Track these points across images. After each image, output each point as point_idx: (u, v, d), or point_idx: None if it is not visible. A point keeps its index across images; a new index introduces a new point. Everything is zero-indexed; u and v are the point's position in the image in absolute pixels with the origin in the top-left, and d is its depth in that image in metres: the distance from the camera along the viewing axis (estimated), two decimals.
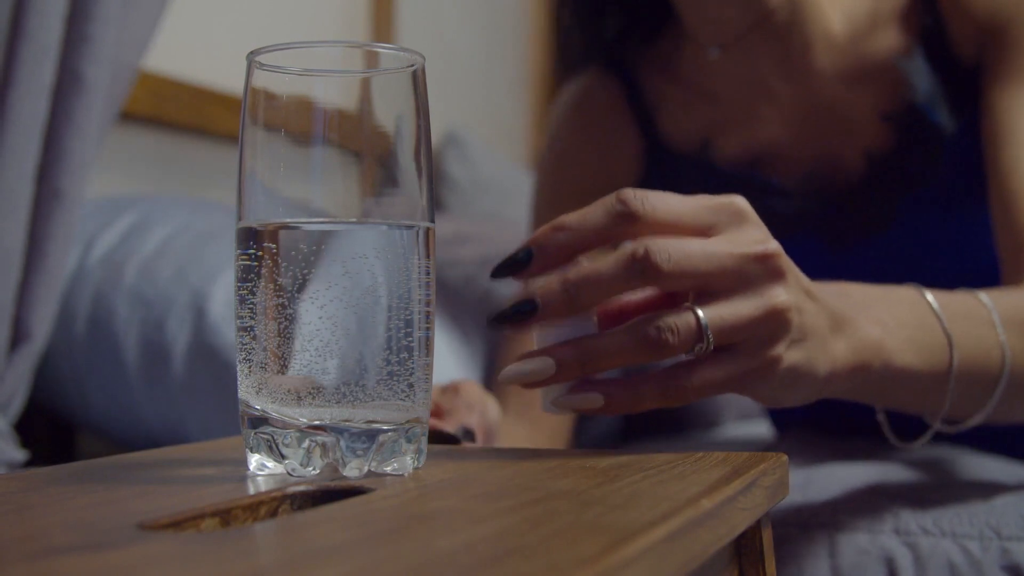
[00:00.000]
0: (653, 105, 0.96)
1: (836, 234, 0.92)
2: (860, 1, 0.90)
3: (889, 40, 0.88)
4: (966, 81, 0.87)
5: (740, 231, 0.52)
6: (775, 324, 0.53)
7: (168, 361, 0.92)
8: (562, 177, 0.99)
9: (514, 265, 0.52)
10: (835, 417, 1.03)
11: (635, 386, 0.52)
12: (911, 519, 0.71)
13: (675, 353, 0.51)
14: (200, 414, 0.91)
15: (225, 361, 0.88)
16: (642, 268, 0.50)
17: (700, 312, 0.51)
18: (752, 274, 0.52)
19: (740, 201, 0.54)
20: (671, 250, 0.50)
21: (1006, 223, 0.80)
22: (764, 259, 0.52)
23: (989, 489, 0.76)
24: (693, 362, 0.52)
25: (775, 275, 0.53)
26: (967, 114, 0.87)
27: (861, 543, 0.71)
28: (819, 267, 0.92)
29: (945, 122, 0.87)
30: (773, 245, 0.53)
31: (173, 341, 0.92)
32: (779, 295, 0.52)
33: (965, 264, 0.88)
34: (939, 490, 0.76)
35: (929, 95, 0.87)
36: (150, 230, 1.00)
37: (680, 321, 0.50)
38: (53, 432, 1.09)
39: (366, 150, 0.49)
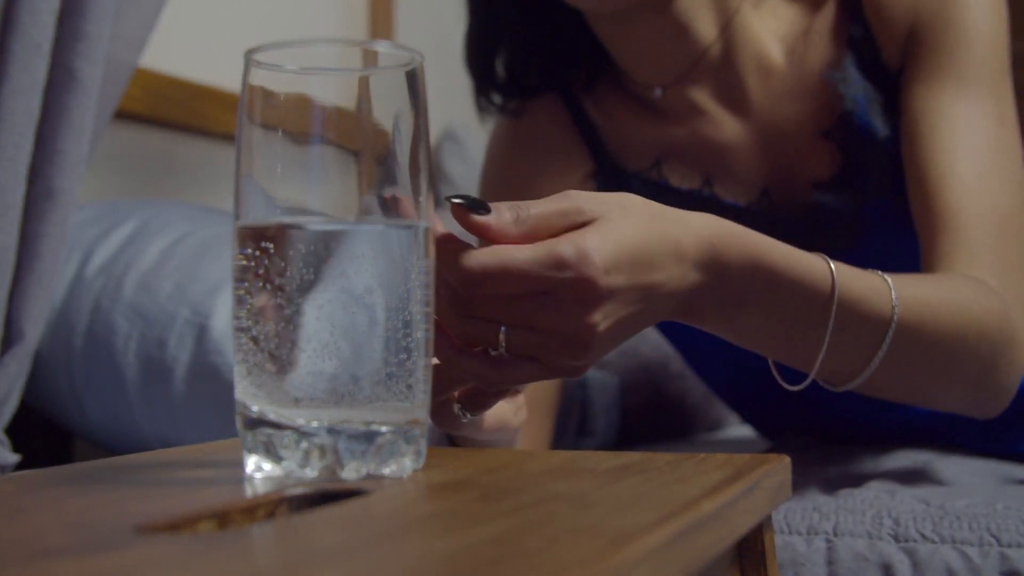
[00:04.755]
0: (600, 126, 0.95)
1: None
2: (794, 22, 0.90)
3: (823, 55, 0.89)
4: (896, 87, 0.87)
5: (570, 305, 0.54)
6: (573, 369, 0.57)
7: (169, 379, 0.91)
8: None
9: (472, 206, 0.54)
10: (831, 423, 1.03)
11: (458, 363, 0.56)
12: (910, 525, 0.71)
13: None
14: (201, 433, 0.90)
15: (227, 381, 0.87)
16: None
17: (502, 336, 0.55)
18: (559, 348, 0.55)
19: (584, 272, 0.53)
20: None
21: (924, 219, 0.81)
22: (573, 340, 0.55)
23: (989, 494, 0.76)
24: (505, 360, 0.56)
25: (582, 351, 0.55)
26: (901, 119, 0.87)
27: (859, 549, 0.70)
28: None
29: (881, 129, 0.87)
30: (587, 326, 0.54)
31: (174, 359, 0.91)
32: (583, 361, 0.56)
33: None
34: (938, 495, 0.75)
35: (863, 104, 0.87)
36: (150, 240, 0.99)
37: (481, 330, 0.55)
38: (49, 438, 1.09)
39: (364, 149, 0.48)
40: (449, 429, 0.61)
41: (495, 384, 0.57)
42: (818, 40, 0.89)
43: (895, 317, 0.66)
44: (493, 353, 0.55)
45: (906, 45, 0.86)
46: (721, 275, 0.59)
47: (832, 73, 0.88)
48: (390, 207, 0.48)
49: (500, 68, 0.95)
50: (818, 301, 0.63)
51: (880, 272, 0.68)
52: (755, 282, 0.61)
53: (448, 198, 0.54)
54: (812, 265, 0.63)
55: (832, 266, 0.64)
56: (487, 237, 0.53)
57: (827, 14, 0.90)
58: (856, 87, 0.87)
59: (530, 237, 0.54)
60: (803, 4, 0.91)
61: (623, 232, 0.54)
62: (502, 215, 0.53)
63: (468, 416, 0.59)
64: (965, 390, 0.76)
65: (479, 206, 0.53)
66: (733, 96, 0.90)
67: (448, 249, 0.53)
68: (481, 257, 0.52)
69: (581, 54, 0.95)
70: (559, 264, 0.52)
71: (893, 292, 0.67)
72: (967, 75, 0.84)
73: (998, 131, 0.83)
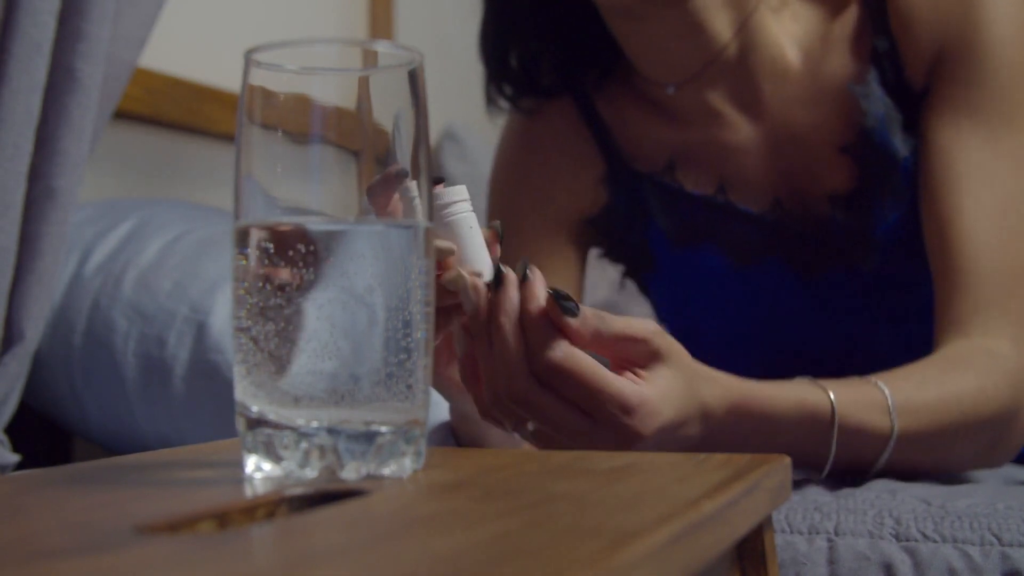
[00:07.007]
0: (613, 126, 0.95)
1: (808, 263, 0.91)
2: (812, 27, 0.89)
3: (842, 65, 0.88)
4: (918, 106, 0.86)
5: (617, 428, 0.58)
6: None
7: (168, 378, 0.91)
8: (520, 202, 0.97)
9: (564, 306, 0.58)
10: None
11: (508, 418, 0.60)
12: (911, 524, 0.71)
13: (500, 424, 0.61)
14: (201, 432, 0.90)
15: (227, 379, 0.87)
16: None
17: (531, 427, 0.59)
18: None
19: (639, 427, 0.58)
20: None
21: (941, 271, 0.81)
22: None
23: (990, 494, 0.76)
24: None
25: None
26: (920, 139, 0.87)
27: (860, 548, 0.70)
28: (790, 295, 0.92)
29: (900, 149, 0.86)
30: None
31: (174, 357, 0.91)
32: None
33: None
34: (940, 495, 0.75)
35: (883, 122, 0.86)
36: (148, 238, 0.99)
37: (518, 419, 0.59)
38: (49, 438, 1.09)
39: (364, 149, 0.48)
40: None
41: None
42: (838, 47, 0.88)
43: (894, 431, 0.71)
44: (520, 431, 0.60)
45: (933, 71, 0.85)
46: (711, 428, 0.64)
47: (855, 87, 0.87)
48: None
49: (514, 61, 0.95)
50: (817, 431, 0.69)
51: (877, 381, 0.72)
52: (744, 429, 0.66)
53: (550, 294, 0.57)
54: (803, 401, 0.68)
55: (832, 396, 0.69)
56: (564, 334, 0.58)
57: (847, 20, 0.88)
58: (878, 104, 0.86)
59: (601, 348, 0.59)
60: (822, 8, 0.89)
61: (675, 393, 0.60)
62: (586, 322, 0.57)
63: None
64: (970, 459, 0.80)
65: (569, 308, 0.57)
66: (747, 98, 0.90)
67: (541, 329, 0.57)
68: (568, 354, 0.57)
69: (594, 52, 0.95)
70: (623, 406, 0.57)
71: (891, 405, 0.71)
72: (991, 113, 0.83)
73: (1019, 175, 0.82)
